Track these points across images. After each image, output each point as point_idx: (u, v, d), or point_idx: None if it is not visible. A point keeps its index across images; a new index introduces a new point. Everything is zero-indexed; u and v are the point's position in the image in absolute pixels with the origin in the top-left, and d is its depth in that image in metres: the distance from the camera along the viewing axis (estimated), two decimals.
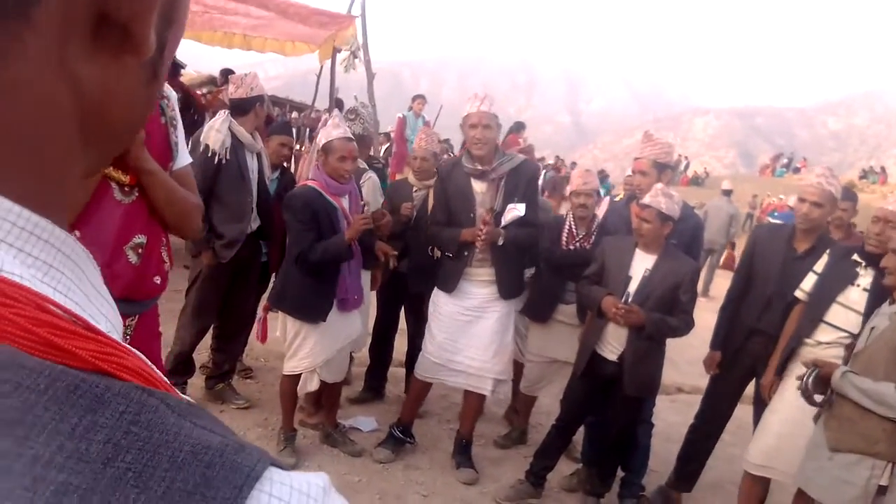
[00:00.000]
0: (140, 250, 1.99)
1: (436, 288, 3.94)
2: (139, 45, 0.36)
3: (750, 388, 3.85)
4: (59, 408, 0.28)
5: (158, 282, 2.08)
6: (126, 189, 1.95)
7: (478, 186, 3.75)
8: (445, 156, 8.09)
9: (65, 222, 0.38)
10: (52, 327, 0.31)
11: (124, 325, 1.91)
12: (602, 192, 4.94)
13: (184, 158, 2.15)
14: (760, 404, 3.62)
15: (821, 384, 2.80)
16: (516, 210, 3.62)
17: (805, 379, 2.81)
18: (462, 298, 3.81)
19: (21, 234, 0.34)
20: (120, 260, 1.94)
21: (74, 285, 0.37)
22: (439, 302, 3.88)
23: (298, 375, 3.76)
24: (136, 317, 2.04)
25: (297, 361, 3.71)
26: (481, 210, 3.70)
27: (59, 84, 0.35)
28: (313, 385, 3.76)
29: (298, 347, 3.69)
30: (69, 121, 0.36)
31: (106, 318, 0.40)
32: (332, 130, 3.59)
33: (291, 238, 3.62)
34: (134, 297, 2.00)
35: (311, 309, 3.61)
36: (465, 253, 3.75)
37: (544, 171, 16.48)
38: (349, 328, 3.80)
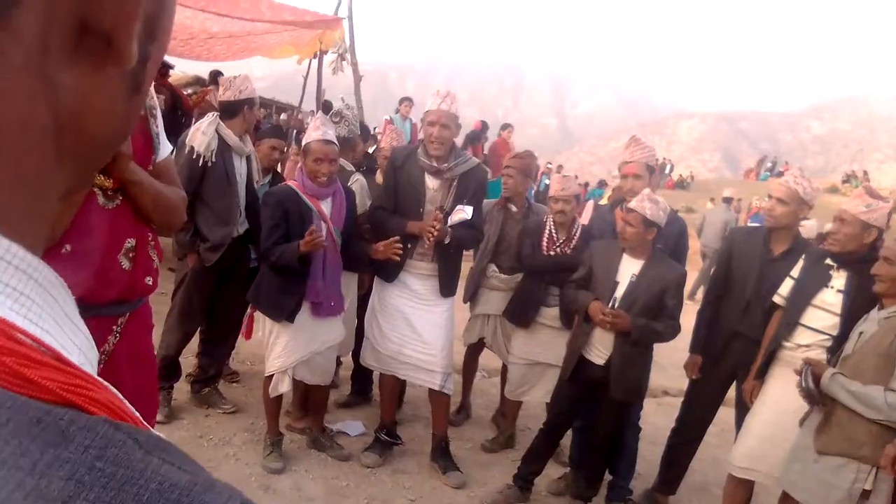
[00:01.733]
0: (131, 255, 1.99)
1: (377, 278, 3.96)
2: (121, 55, 0.35)
3: (732, 391, 3.87)
4: (21, 441, 0.27)
5: (150, 283, 2.09)
6: (109, 193, 1.94)
7: (430, 182, 3.76)
8: None
9: (40, 246, 0.36)
10: (19, 357, 0.30)
11: (114, 325, 1.94)
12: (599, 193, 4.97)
13: (165, 149, 2.14)
14: (742, 407, 3.65)
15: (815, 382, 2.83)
16: (464, 212, 3.66)
17: (803, 377, 2.84)
18: (405, 289, 3.83)
19: None
20: (114, 268, 1.95)
21: (46, 313, 0.35)
22: (383, 293, 3.89)
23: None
24: (127, 314, 2.04)
25: (271, 361, 3.71)
26: (430, 206, 3.72)
27: (38, 94, 0.33)
28: (284, 386, 3.72)
29: (272, 346, 3.69)
30: (46, 134, 0.34)
31: (79, 349, 0.38)
32: (312, 132, 3.57)
33: (262, 234, 3.59)
34: (126, 299, 2.02)
35: (277, 307, 3.59)
36: (409, 245, 3.76)
37: (543, 175, 16.53)
38: (327, 333, 3.75)
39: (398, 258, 3.58)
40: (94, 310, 1.89)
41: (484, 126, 12.04)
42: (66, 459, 0.28)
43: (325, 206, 3.64)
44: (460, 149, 3.95)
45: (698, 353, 3.81)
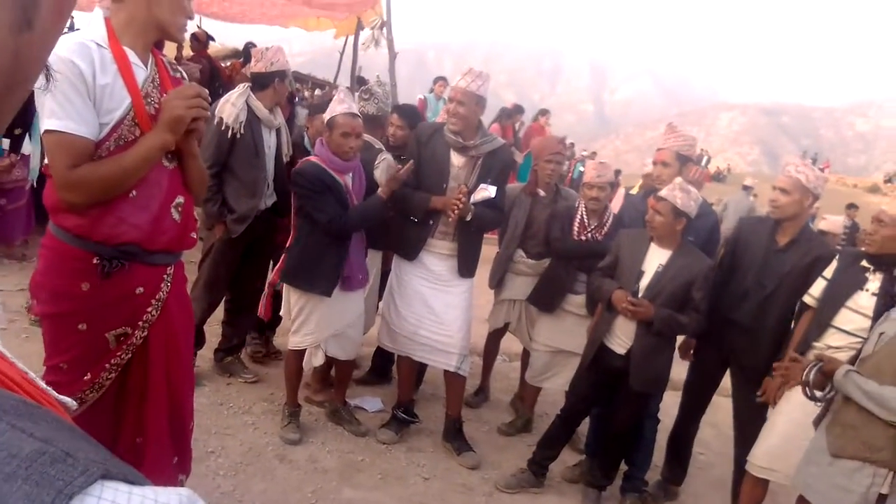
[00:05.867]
0: (180, 209, 2.20)
1: (396, 258, 3.94)
2: None
3: (726, 381, 3.85)
4: None
5: (194, 237, 2.32)
6: (169, 156, 2.15)
7: (455, 160, 3.74)
8: None
9: None
10: None
11: (165, 273, 2.20)
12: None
13: None
14: (740, 400, 3.68)
15: (822, 381, 2.77)
16: (487, 191, 3.63)
17: (807, 372, 2.78)
18: (424, 270, 3.82)
19: None
20: (167, 217, 2.15)
21: None
22: (402, 273, 3.88)
23: (303, 351, 3.77)
24: (173, 265, 2.27)
25: (301, 337, 3.72)
26: (454, 184, 3.70)
27: None
28: (318, 360, 3.77)
29: (303, 323, 3.70)
30: None
31: None
32: (337, 106, 3.54)
33: (312, 208, 3.54)
34: (174, 249, 2.24)
35: (318, 281, 3.59)
36: (430, 221, 3.74)
37: (577, 163, 16.25)
38: (355, 307, 3.79)
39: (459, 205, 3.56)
40: (150, 257, 2.14)
41: (517, 107, 11.86)
42: None
43: (347, 181, 3.64)
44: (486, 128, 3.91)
45: (693, 337, 3.80)
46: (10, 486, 0.24)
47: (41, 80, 0.41)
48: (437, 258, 3.81)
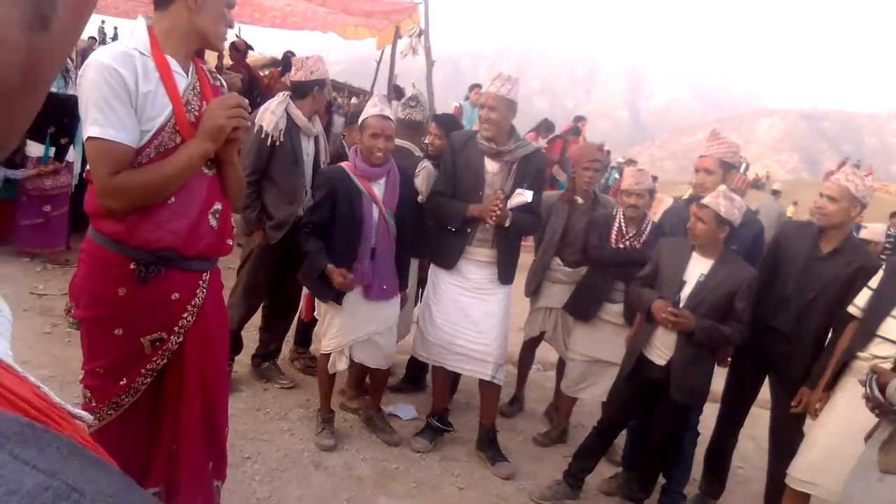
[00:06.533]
0: (217, 216, 2.22)
1: (433, 266, 3.91)
2: None
3: (765, 393, 3.76)
4: None
5: (230, 243, 2.35)
6: (209, 163, 2.18)
7: (490, 166, 3.72)
8: None
9: None
10: None
11: (201, 280, 2.20)
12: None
13: None
14: (779, 411, 3.59)
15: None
16: (524, 196, 3.60)
17: (868, 385, 2.69)
18: (462, 278, 3.78)
19: None
20: (204, 223, 2.18)
21: None
22: (439, 282, 3.85)
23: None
24: (209, 271, 2.29)
25: (326, 341, 3.73)
26: (489, 191, 3.67)
27: None
28: (342, 365, 3.74)
29: (328, 327, 3.71)
30: None
31: None
32: (370, 109, 3.54)
33: (310, 207, 3.65)
34: (210, 255, 2.25)
35: (321, 287, 3.58)
36: (468, 230, 3.72)
37: (612, 170, 16.04)
38: (385, 315, 3.72)
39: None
40: (187, 263, 2.16)
41: (549, 123, 11.79)
42: None
43: (378, 189, 3.60)
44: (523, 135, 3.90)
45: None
46: None
47: (59, 81, 0.40)
48: (476, 266, 3.78)
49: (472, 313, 3.79)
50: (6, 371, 0.31)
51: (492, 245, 3.75)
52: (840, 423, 3.14)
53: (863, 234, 6.57)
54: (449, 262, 3.79)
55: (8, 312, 0.39)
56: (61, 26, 0.36)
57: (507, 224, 3.62)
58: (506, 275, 3.81)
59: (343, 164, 3.66)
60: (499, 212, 3.55)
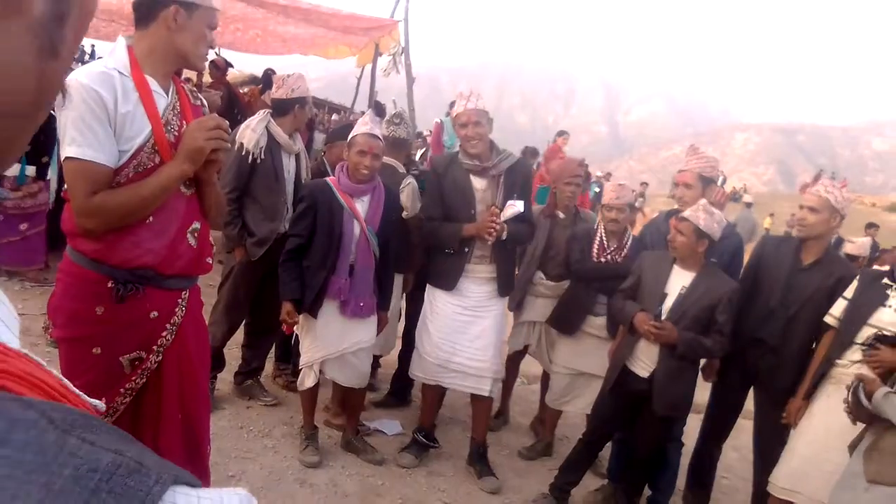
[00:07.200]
0: (196, 234, 2.22)
1: (429, 286, 3.90)
2: (21, 2, 0.33)
3: (749, 404, 3.79)
4: None
5: (209, 262, 2.34)
6: (187, 182, 2.17)
7: (477, 183, 3.73)
8: None
9: None
10: None
11: (180, 298, 2.19)
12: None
13: None
14: (762, 422, 3.63)
15: (857, 403, 2.71)
16: (516, 206, 3.62)
17: (854, 392, 2.73)
18: (461, 297, 3.78)
19: None
20: (183, 242, 2.17)
21: None
22: (436, 301, 3.84)
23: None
24: (188, 289, 2.28)
25: (303, 354, 3.73)
26: (481, 207, 3.69)
27: None
28: (309, 381, 3.72)
29: (303, 340, 3.71)
30: None
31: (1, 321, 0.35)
32: (360, 127, 3.58)
33: (292, 219, 3.70)
34: (189, 274, 2.24)
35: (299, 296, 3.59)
36: (466, 249, 3.73)
37: (593, 183, 16.28)
38: (358, 334, 3.67)
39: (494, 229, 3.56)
40: (166, 281, 2.15)
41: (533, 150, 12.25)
42: None
43: (361, 206, 3.60)
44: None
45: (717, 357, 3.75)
46: (97, 501, 0.25)
47: (58, 99, 0.43)
48: (475, 282, 3.78)
49: (470, 331, 3.79)
50: (33, 364, 0.32)
51: (491, 260, 3.76)
52: (819, 431, 3.18)
53: (848, 249, 6.45)
54: (449, 283, 3.78)
55: (11, 307, 0.40)
56: (67, 54, 0.38)
57: (504, 237, 3.65)
58: (505, 286, 3.82)
59: (328, 178, 3.67)
60: (497, 227, 3.57)
